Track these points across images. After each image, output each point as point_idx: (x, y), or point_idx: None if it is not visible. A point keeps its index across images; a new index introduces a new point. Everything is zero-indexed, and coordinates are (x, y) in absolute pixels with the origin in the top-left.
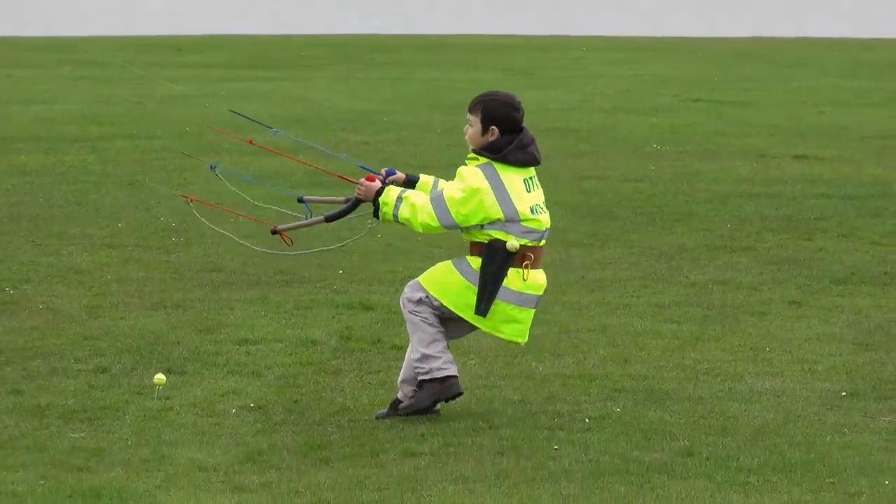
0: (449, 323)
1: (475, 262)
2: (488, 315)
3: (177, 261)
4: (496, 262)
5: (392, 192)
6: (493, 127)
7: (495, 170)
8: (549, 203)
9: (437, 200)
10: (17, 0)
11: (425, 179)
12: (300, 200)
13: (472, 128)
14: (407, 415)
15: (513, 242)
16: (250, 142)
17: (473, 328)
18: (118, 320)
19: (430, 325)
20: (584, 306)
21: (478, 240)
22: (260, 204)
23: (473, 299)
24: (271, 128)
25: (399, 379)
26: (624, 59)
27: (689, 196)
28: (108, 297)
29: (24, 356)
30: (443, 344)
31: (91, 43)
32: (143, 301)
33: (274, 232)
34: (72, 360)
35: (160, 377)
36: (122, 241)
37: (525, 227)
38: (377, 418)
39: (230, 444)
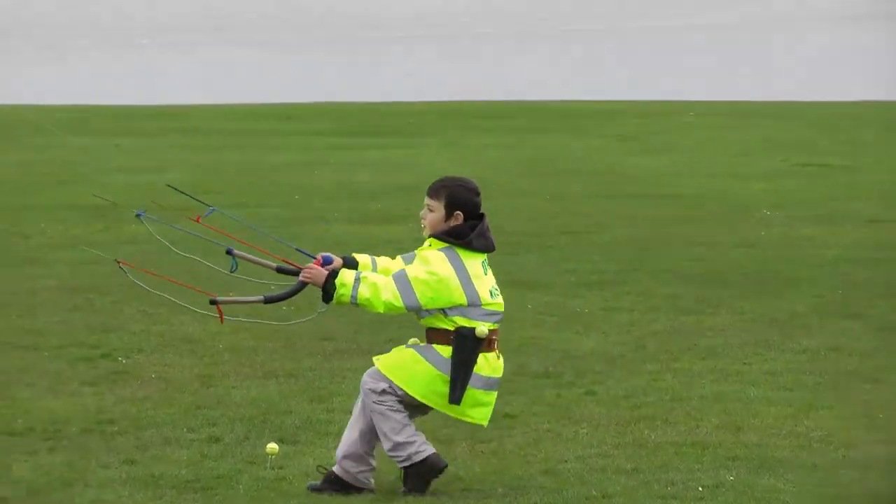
0: (410, 409)
1: (444, 350)
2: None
3: (288, 329)
4: (467, 349)
5: (348, 274)
6: (458, 212)
7: (458, 255)
8: (660, 270)
9: (401, 280)
10: (124, 67)
11: (364, 260)
12: (229, 252)
13: (433, 213)
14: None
15: (482, 329)
16: (197, 220)
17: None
18: (230, 389)
19: (396, 411)
20: (696, 374)
21: (442, 327)
22: (183, 254)
23: (445, 388)
24: (209, 205)
25: (340, 454)
26: (732, 124)
27: (799, 262)
28: (219, 366)
29: (137, 426)
30: (412, 427)
31: (198, 111)
32: (255, 370)
33: (213, 302)
34: (184, 430)
35: (273, 446)
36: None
37: (486, 310)
38: (309, 489)
39: None
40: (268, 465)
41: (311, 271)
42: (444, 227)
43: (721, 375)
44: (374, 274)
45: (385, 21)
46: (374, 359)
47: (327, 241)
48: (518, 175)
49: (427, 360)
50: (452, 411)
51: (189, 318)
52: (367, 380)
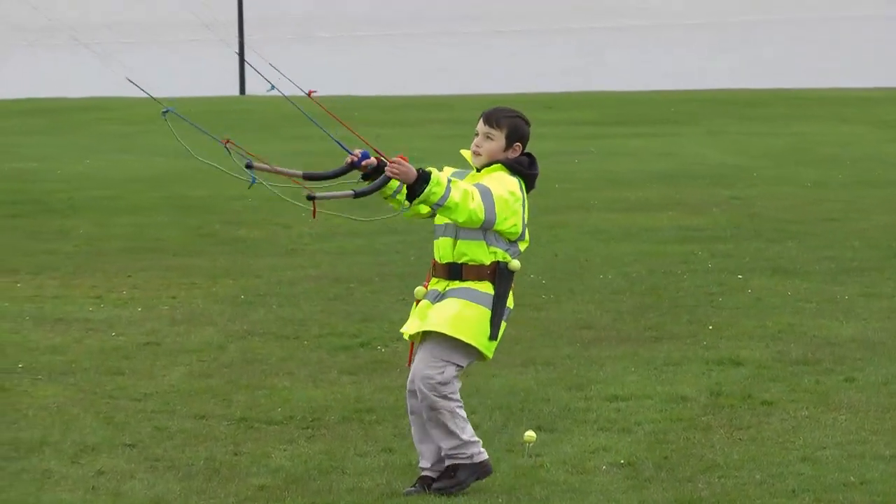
0: None
1: (483, 286)
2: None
3: (546, 318)
4: (505, 283)
5: (442, 175)
6: (518, 144)
7: (522, 187)
8: None
9: (486, 195)
10: (385, 58)
11: None
12: (248, 167)
13: (492, 141)
14: (441, 492)
15: (516, 262)
16: (309, 94)
17: None
18: (489, 378)
19: (460, 407)
20: None
21: (479, 260)
22: (202, 160)
23: (488, 327)
24: (164, 105)
25: (429, 464)
26: None
27: None
28: None
29: (395, 414)
30: (470, 426)
31: (460, 101)
32: (513, 358)
33: (310, 198)
34: None
35: (531, 434)
36: None
37: (520, 248)
38: (405, 494)
39: (600, 501)
40: (525, 452)
41: (401, 168)
42: (502, 157)
43: None
44: (462, 181)
45: (650, 9)
46: (421, 330)
47: (586, 228)
48: (778, 163)
49: (476, 301)
50: (488, 349)
51: None
52: (428, 373)
